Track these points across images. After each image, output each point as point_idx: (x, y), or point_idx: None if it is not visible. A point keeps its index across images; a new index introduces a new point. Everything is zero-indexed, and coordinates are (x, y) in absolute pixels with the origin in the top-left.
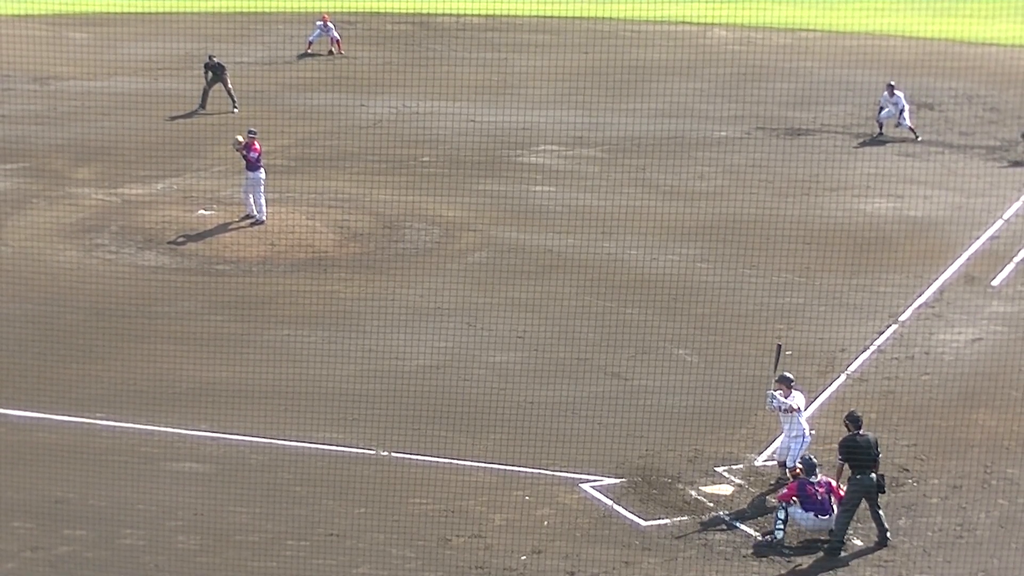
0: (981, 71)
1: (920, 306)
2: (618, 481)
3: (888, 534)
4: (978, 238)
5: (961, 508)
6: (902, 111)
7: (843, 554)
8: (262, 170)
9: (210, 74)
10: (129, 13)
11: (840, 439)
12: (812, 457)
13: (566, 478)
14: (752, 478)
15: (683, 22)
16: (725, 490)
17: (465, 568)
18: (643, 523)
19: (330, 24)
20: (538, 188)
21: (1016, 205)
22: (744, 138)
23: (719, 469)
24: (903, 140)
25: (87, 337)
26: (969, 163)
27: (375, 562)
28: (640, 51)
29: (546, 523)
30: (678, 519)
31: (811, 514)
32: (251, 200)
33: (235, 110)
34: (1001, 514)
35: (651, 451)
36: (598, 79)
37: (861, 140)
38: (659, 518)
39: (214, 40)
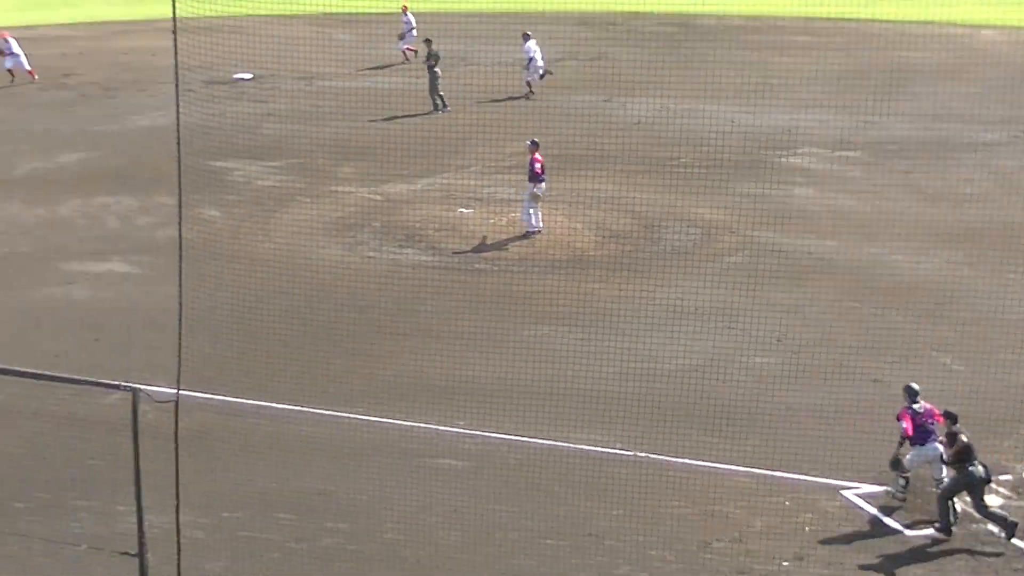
0: None
1: None
2: (880, 489)
3: (1010, 519)
4: None
5: None
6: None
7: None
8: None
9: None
10: (387, 13)
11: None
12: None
13: (826, 484)
14: (1022, 489)
15: (950, 23)
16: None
17: (727, 572)
18: (908, 532)
19: (409, 16)
20: (799, 190)
21: None
22: (1013, 142)
23: None
24: None
25: (348, 332)
26: None
27: (635, 563)
28: (905, 53)
29: (808, 529)
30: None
31: (915, 447)
32: (530, 213)
33: (444, 110)
34: None
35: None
36: (861, 80)
37: None
38: (924, 528)
39: (475, 40)
